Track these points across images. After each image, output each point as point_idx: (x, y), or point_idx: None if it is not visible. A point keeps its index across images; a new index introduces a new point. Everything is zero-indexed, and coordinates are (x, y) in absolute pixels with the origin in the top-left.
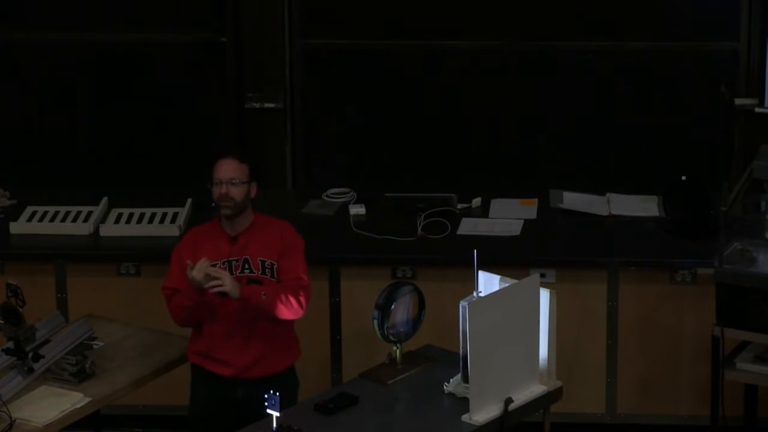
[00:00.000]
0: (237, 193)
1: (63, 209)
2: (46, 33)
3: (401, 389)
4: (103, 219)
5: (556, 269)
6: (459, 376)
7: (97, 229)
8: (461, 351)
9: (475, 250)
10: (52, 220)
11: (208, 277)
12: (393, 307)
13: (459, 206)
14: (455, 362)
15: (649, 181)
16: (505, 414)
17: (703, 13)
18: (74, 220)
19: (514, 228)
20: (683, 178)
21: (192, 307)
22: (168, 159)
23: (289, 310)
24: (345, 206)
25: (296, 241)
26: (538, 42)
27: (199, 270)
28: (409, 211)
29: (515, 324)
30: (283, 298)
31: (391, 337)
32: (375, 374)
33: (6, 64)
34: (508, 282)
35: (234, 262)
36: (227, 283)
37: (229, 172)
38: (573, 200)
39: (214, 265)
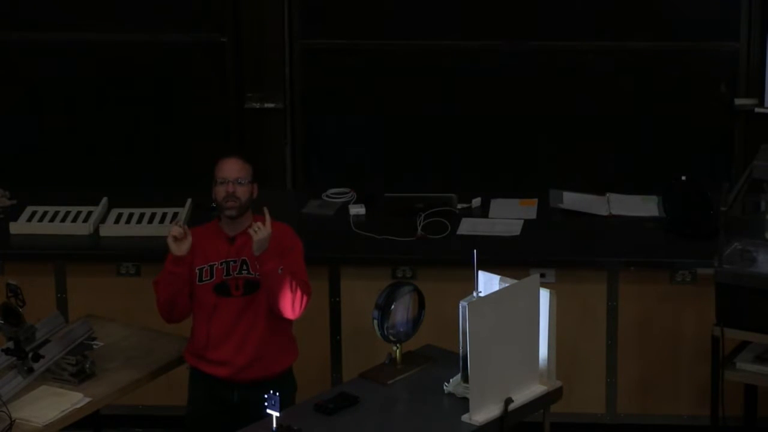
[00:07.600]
0: (242, 192)
1: (63, 209)
2: (46, 33)
3: (401, 389)
4: (103, 219)
5: (556, 269)
6: (459, 376)
7: (97, 229)
8: (461, 351)
9: (475, 250)
10: (52, 220)
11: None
12: (393, 307)
13: (459, 206)
14: (455, 362)
15: (649, 181)
16: (505, 414)
17: (703, 13)
18: (74, 220)
19: (514, 228)
20: (683, 178)
21: (168, 282)
22: (168, 159)
23: (293, 300)
24: (345, 206)
25: (295, 243)
26: (538, 42)
27: (174, 229)
28: (409, 211)
29: (515, 324)
30: (294, 285)
31: (391, 337)
32: (375, 374)
33: (6, 64)
34: (508, 282)
35: (232, 263)
36: (259, 236)
37: (235, 171)
38: (573, 200)
39: (211, 266)
